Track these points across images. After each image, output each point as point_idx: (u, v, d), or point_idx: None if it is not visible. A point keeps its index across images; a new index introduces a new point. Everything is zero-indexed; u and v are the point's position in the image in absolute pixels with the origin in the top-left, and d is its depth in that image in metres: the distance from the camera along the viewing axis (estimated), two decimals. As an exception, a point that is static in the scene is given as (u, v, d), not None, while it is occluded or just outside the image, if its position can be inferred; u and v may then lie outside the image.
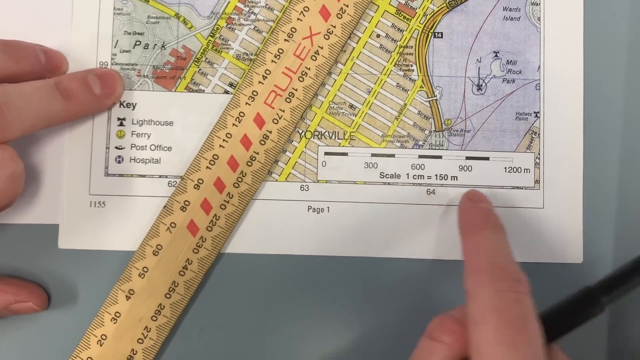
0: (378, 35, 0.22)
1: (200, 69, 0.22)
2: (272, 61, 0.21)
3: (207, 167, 0.21)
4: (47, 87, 0.20)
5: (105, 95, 0.21)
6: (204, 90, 0.22)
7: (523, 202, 0.22)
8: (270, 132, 0.21)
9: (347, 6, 0.22)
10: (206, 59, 0.22)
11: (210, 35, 0.22)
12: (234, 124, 0.21)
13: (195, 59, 0.22)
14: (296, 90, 0.21)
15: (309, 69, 0.22)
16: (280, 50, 0.22)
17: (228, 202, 0.21)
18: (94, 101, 0.21)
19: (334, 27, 0.22)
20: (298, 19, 0.22)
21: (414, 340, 0.18)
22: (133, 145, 0.22)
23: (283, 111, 0.21)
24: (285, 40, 0.22)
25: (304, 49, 0.22)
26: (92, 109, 0.21)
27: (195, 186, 0.21)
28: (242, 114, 0.21)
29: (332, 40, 0.22)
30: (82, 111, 0.21)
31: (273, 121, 0.21)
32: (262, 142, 0.21)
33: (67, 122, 0.21)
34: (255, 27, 0.22)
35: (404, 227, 0.22)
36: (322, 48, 0.22)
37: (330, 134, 0.22)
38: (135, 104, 0.22)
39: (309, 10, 0.22)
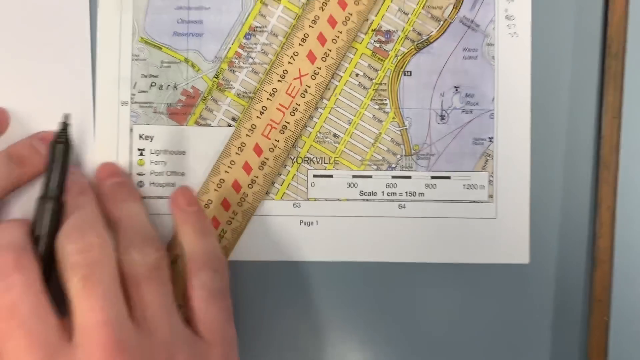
0: (357, 75, 0.26)
1: (207, 106, 0.26)
2: (268, 99, 0.25)
3: (215, 190, 0.25)
4: (2, 159, 0.24)
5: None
6: (210, 124, 0.26)
7: (479, 214, 0.26)
8: (267, 159, 0.26)
9: (330, 50, 0.25)
10: (212, 97, 0.26)
11: (215, 77, 0.26)
12: (236, 153, 0.25)
13: (203, 98, 0.26)
14: (288, 123, 0.26)
15: (299, 105, 0.26)
16: (275, 89, 0.25)
17: (233, 218, 0.25)
18: (42, 162, 0.24)
19: (320, 68, 0.26)
20: (289, 62, 0.25)
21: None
22: (152, 172, 0.26)
23: (278, 141, 0.26)
24: (279, 80, 0.25)
25: (294, 88, 0.25)
26: (41, 169, 0.24)
27: (205, 205, 0.25)
28: (243, 144, 0.25)
29: (318, 80, 0.26)
30: (34, 173, 0.24)
31: (269, 150, 0.25)
32: (261, 168, 0.26)
33: (22, 186, 0.24)
34: (252, 69, 0.26)
35: (379, 236, 0.26)
36: (309, 87, 0.26)
37: (318, 160, 0.26)
38: (153, 136, 0.26)
39: (298, 54, 0.25)
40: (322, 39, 0.25)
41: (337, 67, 0.26)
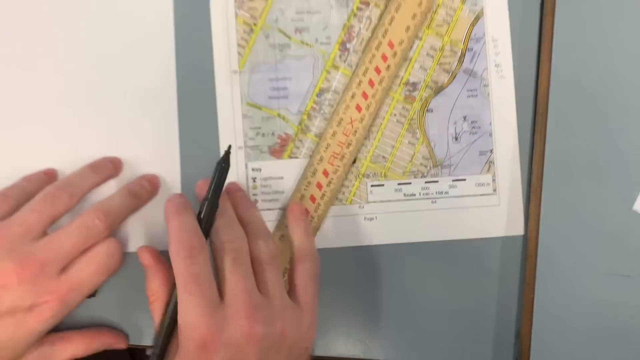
0: (395, 114, 0.38)
1: (295, 145, 0.38)
2: (331, 138, 0.37)
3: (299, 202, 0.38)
4: (126, 194, 0.35)
5: (153, 190, 0.36)
6: (298, 157, 0.38)
7: (487, 203, 0.38)
8: (332, 179, 0.37)
9: (371, 103, 0.37)
10: (298, 138, 0.38)
11: (299, 124, 0.38)
12: (311, 176, 0.37)
13: (292, 139, 0.38)
14: (345, 154, 0.37)
15: (351, 141, 0.37)
16: (335, 132, 0.37)
17: (314, 218, 0.37)
18: (148, 196, 0.36)
19: (364, 116, 0.37)
20: (344, 112, 0.37)
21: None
22: (262, 192, 0.38)
23: (339, 167, 0.37)
24: (337, 125, 0.37)
25: (348, 130, 0.37)
26: (147, 200, 0.36)
27: (300, 198, 0.37)
28: (315, 170, 0.37)
29: (364, 123, 0.37)
30: (143, 204, 0.36)
31: (333, 172, 0.37)
32: (328, 185, 0.37)
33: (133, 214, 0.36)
34: (323, 117, 0.38)
35: (419, 224, 0.38)
36: (358, 129, 0.37)
37: (373, 174, 0.38)
38: (261, 168, 0.38)
39: (349, 107, 0.37)
40: (365, 95, 0.37)
41: (376, 112, 0.38)
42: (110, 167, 0.36)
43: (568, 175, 0.37)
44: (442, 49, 0.38)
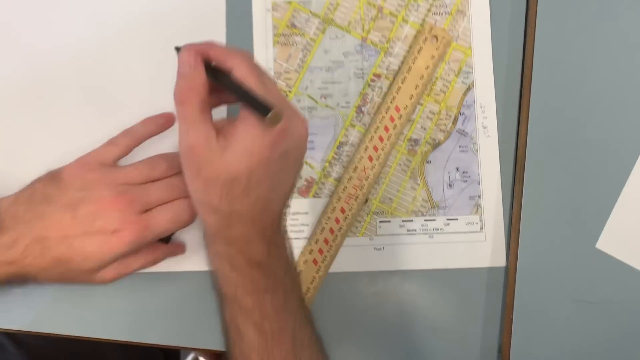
0: (400, 165, 0.47)
1: (318, 187, 0.47)
2: (347, 182, 0.46)
3: (320, 233, 0.46)
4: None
5: None
6: (320, 196, 0.47)
7: (475, 239, 0.46)
8: (348, 216, 0.46)
9: (380, 155, 0.46)
10: (321, 182, 0.47)
11: (322, 170, 0.47)
12: (331, 212, 0.46)
13: (316, 182, 0.47)
14: (359, 195, 0.46)
15: (364, 185, 0.46)
16: (351, 177, 0.46)
17: (331, 249, 0.46)
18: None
19: (374, 165, 0.46)
20: (358, 161, 0.46)
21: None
22: (291, 224, 0.46)
23: (353, 206, 0.46)
24: (353, 171, 0.46)
25: (362, 176, 0.46)
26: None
27: (315, 241, 0.46)
28: (334, 208, 0.46)
29: (375, 171, 0.46)
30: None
31: (349, 210, 0.46)
32: (344, 220, 0.46)
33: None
34: (343, 166, 0.47)
35: (420, 254, 0.46)
36: (369, 175, 0.46)
37: (382, 212, 0.47)
38: (290, 205, 0.47)
39: (363, 157, 0.46)
40: (375, 148, 0.46)
41: (385, 162, 0.46)
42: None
43: (542, 217, 0.45)
44: (439, 113, 0.47)
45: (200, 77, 0.35)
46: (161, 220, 0.39)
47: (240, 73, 0.35)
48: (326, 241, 0.46)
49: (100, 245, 0.38)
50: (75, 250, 0.38)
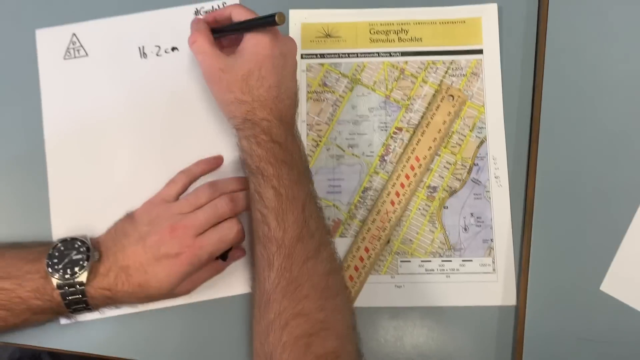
0: (419, 209, 0.51)
1: (344, 227, 0.51)
2: (371, 223, 0.51)
3: (345, 270, 0.50)
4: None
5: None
6: (346, 236, 0.51)
7: (487, 279, 0.50)
8: (371, 255, 0.50)
9: (401, 200, 0.51)
10: (347, 223, 0.52)
11: (347, 212, 0.52)
12: (356, 251, 0.51)
13: (342, 223, 0.52)
14: (381, 237, 0.51)
15: (386, 227, 0.51)
16: (375, 219, 0.51)
17: (355, 284, 0.50)
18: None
19: (396, 209, 0.51)
20: (381, 205, 0.51)
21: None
22: (319, 262, 0.51)
23: (376, 246, 0.51)
24: (376, 214, 0.51)
25: (384, 218, 0.51)
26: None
27: (347, 268, 0.50)
28: (359, 247, 0.51)
29: (397, 214, 0.51)
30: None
31: (372, 249, 0.51)
32: (368, 259, 0.50)
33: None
34: (367, 209, 0.52)
35: (437, 291, 0.50)
36: (391, 219, 0.51)
37: (402, 252, 0.51)
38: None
39: (385, 202, 0.51)
40: (397, 194, 0.51)
41: (406, 206, 0.51)
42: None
43: (550, 260, 0.49)
44: (455, 163, 0.52)
45: (203, 24, 0.49)
46: (211, 240, 0.45)
47: (238, 13, 0.48)
48: (351, 278, 0.50)
49: (168, 268, 0.44)
50: (150, 275, 0.44)
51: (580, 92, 0.51)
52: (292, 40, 0.49)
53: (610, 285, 0.48)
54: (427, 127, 0.52)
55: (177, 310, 0.50)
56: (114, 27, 0.55)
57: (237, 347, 0.49)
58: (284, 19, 0.44)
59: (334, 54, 0.54)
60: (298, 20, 0.55)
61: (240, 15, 0.48)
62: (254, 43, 0.46)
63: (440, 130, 0.52)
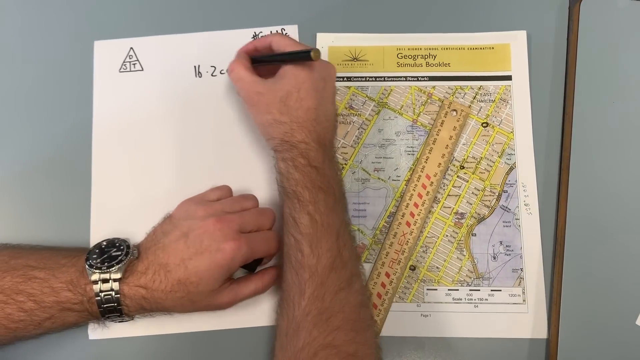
0: (447, 236, 0.50)
1: (369, 252, 0.50)
2: (389, 246, 0.50)
3: (368, 298, 0.49)
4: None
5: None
6: (371, 261, 0.50)
7: (517, 310, 0.48)
8: (393, 280, 0.49)
9: (417, 221, 0.50)
10: (372, 247, 0.50)
11: (372, 237, 0.51)
12: (376, 277, 0.49)
13: (367, 248, 0.50)
14: (401, 260, 0.49)
15: (405, 250, 0.49)
16: (392, 242, 0.50)
17: (380, 313, 0.48)
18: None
19: (413, 230, 0.50)
20: (397, 227, 0.50)
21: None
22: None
23: (397, 270, 0.49)
24: (393, 237, 0.50)
25: (403, 241, 0.50)
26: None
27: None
28: (379, 273, 0.49)
29: (414, 235, 0.50)
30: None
31: (394, 274, 0.49)
32: (390, 284, 0.49)
33: None
34: (393, 235, 0.50)
35: (465, 322, 0.48)
36: (409, 240, 0.50)
37: (429, 280, 0.49)
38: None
39: (401, 224, 0.50)
40: (412, 215, 0.50)
41: (422, 227, 0.50)
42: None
43: (583, 293, 0.47)
44: (483, 189, 0.51)
45: (242, 54, 0.50)
46: (256, 240, 0.45)
47: (278, 43, 0.49)
48: (375, 306, 0.49)
49: (209, 262, 0.43)
50: (190, 270, 0.43)
51: (611, 119, 0.50)
52: (331, 65, 0.49)
53: (647, 319, 0.46)
54: (434, 144, 0.52)
55: (192, 336, 0.49)
56: (171, 44, 0.56)
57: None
58: (319, 55, 0.45)
59: (361, 77, 0.54)
60: (325, 43, 0.55)
61: (280, 43, 0.48)
62: (292, 67, 0.47)
63: (447, 146, 0.51)
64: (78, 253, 0.45)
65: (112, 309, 0.43)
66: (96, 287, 0.43)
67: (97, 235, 0.51)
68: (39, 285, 0.43)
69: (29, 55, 0.56)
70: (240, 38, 0.55)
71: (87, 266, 0.43)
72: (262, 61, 0.50)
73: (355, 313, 0.42)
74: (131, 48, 0.56)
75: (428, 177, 0.51)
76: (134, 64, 0.55)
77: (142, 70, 0.55)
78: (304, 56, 0.45)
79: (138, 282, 0.43)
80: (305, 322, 0.41)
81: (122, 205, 0.52)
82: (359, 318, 0.43)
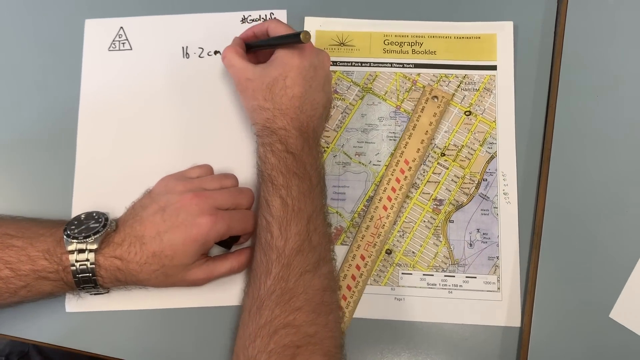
0: (424, 221, 0.50)
1: (346, 235, 0.50)
2: (365, 230, 0.50)
3: (342, 279, 0.49)
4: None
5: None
6: (348, 244, 0.50)
7: (492, 297, 0.48)
8: (368, 262, 0.49)
9: (394, 205, 0.50)
10: (349, 231, 0.50)
11: (350, 221, 0.51)
12: (352, 259, 0.49)
13: (344, 230, 0.50)
14: (376, 242, 0.49)
15: (380, 233, 0.49)
16: (368, 226, 0.50)
17: (353, 295, 0.48)
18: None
19: (389, 214, 0.50)
20: (374, 211, 0.50)
21: None
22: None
23: (372, 253, 0.49)
24: (370, 220, 0.50)
25: (379, 224, 0.50)
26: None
27: (339, 288, 0.49)
28: (354, 255, 0.49)
29: (390, 219, 0.50)
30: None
31: (368, 257, 0.49)
32: (364, 267, 0.49)
33: None
34: (370, 219, 0.50)
35: (438, 307, 0.48)
36: (385, 224, 0.50)
37: (404, 264, 0.49)
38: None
39: (378, 207, 0.50)
40: (389, 198, 0.50)
41: (398, 211, 0.50)
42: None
43: (557, 282, 0.47)
44: (463, 177, 0.51)
45: (236, 40, 0.52)
46: (232, 217, 0.46)
47: (274, 28, 0.49)
48: (349, 287, 0.49)
49: (184, 236, 0.44)
50: (165, 243, 0.44)
51: (595, 111, 0.50)
52: (325, 53, 0.50)
53: (620, 313, 0.46)
54: (413, 129, 0.52)
55: (167, 313, 0.49)
56: (161, 25, 0.56)
57: (226, 356, 0.48)
58: (309, 37, 0.45)
59: (347, 62, 0.54)
60: (313, 27, 0.55)
61: (276, 29, 0.49)
62: (284, 53, 0.48)
63: (427, 132, 0.51)
64: (57, 224, 0.46)
65: (87, 279, 0.44)
66: (72, 257, 0.43)
67: (79, 209, 0.51)
68: (16, 254, 0.43)
69: (20, 32, 0.56)
70: (229, 21, 0.56)
71: (64, 236, 0.44)
72: (256, 46, 0.51)
73: (319, 296, 0.43)
74: (121, 27, 0.56)
75: (407, 162, 0.51)
76: (123, 43, 0.56)
77: (131, 49, 0.56)
78: (294, 39, 0.46)
79: (113, 253, 0.44)
80: (269, 300, 0.42)
81: (105, 181, 0.53)
82: (322, 301, 0.43)
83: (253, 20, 0.56)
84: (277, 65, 0.47)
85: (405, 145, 0.51)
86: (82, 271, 0.43)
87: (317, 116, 0.48)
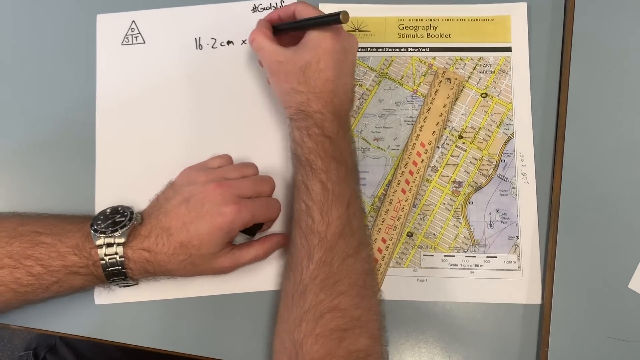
0: (444, 204, 0.51)
1: (368, 219, 0.51)
2: (385, 213, 0.51)
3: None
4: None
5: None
6: (370, 228, 0.51)
7: (512, 276, 0.49)
8: (389, 245, 0.50)
9: (412, 188, 0.51)
10: (370, 214, 0.51)
11: (371, 205, 0.51)
12: (373, 242, 0.50)
13: (366, 215, 0.51)
14: (397, 226, 0.50)
15: (400, 216, 0.50)
16: (388, 209, 0.51)
17: (377, 275, 0.50)
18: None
19: (408, 197, 0.51)
20: (393, 194, 0.51)
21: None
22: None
23: (393, 235, 0.50)
24: (389, 204, 0.51)
25: (398, 207, 0.51)
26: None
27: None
28: (375, 239, 0.50)
29: (409, 202, 0.51)
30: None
31: (390, 239, 0.50)
32: (386, 249, 0.50)
33: None
34: (389, 202, 0.51)
35: (460, 286, 0.49)
36: (405, 206, 0.51)
37: (426, 246, 0.51)
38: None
39: (397, 191, 0.51)
40: (407, 182, 0.51)
41: (416, 194, 0.51)
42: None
43: (576, 258, 0.48)
44: (481, 159, 0.52)
45: (263, 22, 0.51)
46: (256, 205, 0.46)
47: (302, 11, 0.49)
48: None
49: (209, 225, 0.44)
50: (191, 233, 0.44)
51: (608, 89, 0.51)
52: (353, 37, 0.49)
53: (639, 283, 0.47)
54: (428, 112, 0.52)
55: (195, 301, 0.50)
56: (172, 18, 0.57)
57: (256, 341, 0.49)
58: (348, 17, 0.44)
59: (363, 47, 0.55)
60: (327, 14, 0.55)
61: (304, 12, 0.49)
62: (315, 36, 0.47)
63: (441, 114, 0.52)
64: (83, 220, 0.47)
65: (116, 272, 0.45)
66: (101, 252, 0.44)
67: (101, 205, 0.52)
68: (46, 250, 0.44)
69: (33, 29, 0.57)
70: (241, 10, 0.56)
71: (92, 231, 0.45)
72: (287, 28, 0.50)
73: (361, 280, 0.44)
74: (133, 21, 0.56)
75: (423, 144, 0.52)
76: (136, 37, 0.56)
77: (144, 43, 0.56)
78: (333, 19, 0.45)
79: (141, 245, 0.45)
80: (313, 285, 0.42)
81: (126, 176, 0.53)
82: (365, 285, 0.44)
83: (264, 9, 0.56)
84: (310, 47, 0.47)
85: (421, 128, 0.52)
86: (112, 264, 0.44)
87: (349, 100, 0.49)
